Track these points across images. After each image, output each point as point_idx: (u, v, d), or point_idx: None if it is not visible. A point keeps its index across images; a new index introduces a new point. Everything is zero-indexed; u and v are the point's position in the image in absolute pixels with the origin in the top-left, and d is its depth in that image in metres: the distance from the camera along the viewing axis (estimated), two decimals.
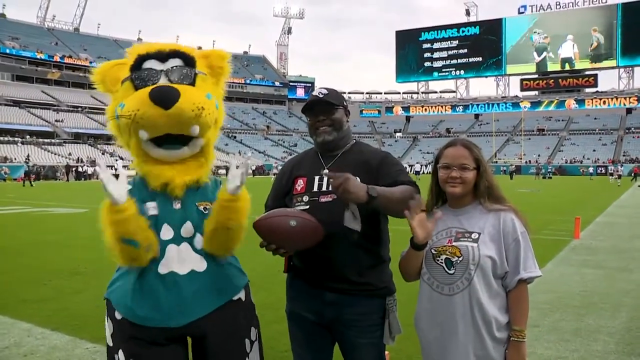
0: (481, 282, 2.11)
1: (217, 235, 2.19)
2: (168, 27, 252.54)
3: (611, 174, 45.44)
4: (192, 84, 2.24)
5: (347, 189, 2.09)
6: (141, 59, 2.26)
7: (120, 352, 2.17)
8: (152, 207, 2.19)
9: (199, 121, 2.17)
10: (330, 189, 2.37)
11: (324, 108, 2.47)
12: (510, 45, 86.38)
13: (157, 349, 2.15)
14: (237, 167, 2.15)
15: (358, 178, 2.26)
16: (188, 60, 2.29)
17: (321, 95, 2.47)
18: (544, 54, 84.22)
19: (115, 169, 2.24)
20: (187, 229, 2.21)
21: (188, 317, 2.16)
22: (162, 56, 2.27)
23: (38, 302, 5.81)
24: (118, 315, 2.18)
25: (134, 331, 2.14)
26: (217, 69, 2.41)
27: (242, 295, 2.37)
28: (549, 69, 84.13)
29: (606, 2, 79.62)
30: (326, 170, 2.36)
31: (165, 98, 2.09)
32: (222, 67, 2.43)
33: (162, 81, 2.21)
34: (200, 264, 2.21)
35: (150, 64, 2.25)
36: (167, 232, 2.18)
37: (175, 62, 2.27)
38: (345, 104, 2.55)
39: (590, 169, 54.99)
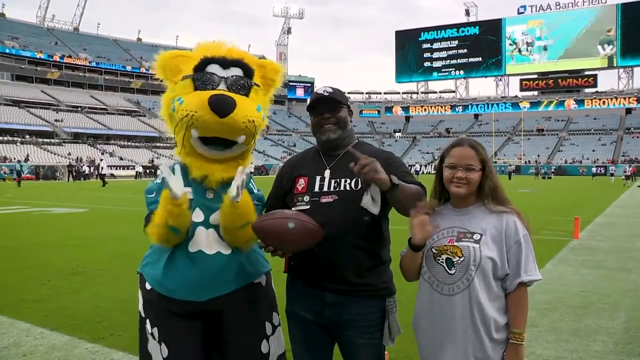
0: (481, 283, 2.11)
1: (228, 232, 2.38)
2: (168, 27, 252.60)
3: (612, 174, 45.56)
4: (247, 94, 2.46)
5: (376, 169, 2.12)
6: (205, 62, 2.45)
7: (148, 321, 2.39)
8: (187, 192, 2.35)
9: (246, 132, 2.40)
10: (332, 189, 2.39)
11: (329, 106, 2.47)
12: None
13: (177, 321, 2.34)
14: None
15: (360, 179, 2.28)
16: (248, 71, 2.51)
17: (326, 94, 2.47)
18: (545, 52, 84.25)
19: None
20: (215, 218, 2.39)
21: (210, 293, 2.35)
22: (226, 63, 2.47)
23: (37, 301, 5.81)
24: (148, 286, 2.41)
25: (160, 302, 2.35)
26: (269, 81, 2.63)
27: (262, 280, 2.56)
28: (549, 69, 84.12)
29: (606, 2, 79.65)
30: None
31: (222, 107, 2.30)
32: (275, 80, 2.65)
33: (221, 87, 2.41)
34: (225, 249, 2.40)
35: (213, 68, 2.45)
36: (198, 215, 2.38)
37: (236, 71, 2.48)
38: (348, 103, 2.56)
39: (594, 169, 54.59)
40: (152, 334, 2.37)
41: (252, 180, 2.65)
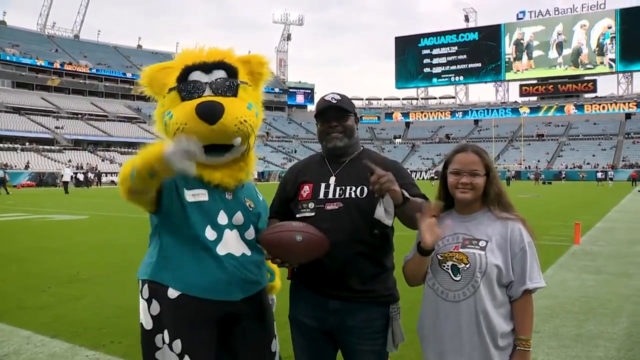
0: (486, 290, 2.11)
1: None
2: (168, 33, 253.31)
3: (611, 179, 45.38)
4: (235, 94, 2.42)
5: (392, 180, 2.13)
6: (187, 70, 2.42)
7: (167, 333, 2.29)
8: (201, 194, 2.38)
9: (241, 133, 2.36)
10: (337, 196, 2.38)
11: (336, 114, 2.45)
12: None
13: (200, 331, 2.30)
14: None
15: (365, 186, 2.29)
16: (231, 72, 2.46)
17: (334, 101, 2.45)
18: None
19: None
20: (237, 218, 2.44)
21: (243, 293, 2.38)
22: (207, 67, 2.43)
23: (37, 309, 5.80)
24: (173, 293, 2.29)
25: (187, 309, 2.28)
26: (257, 75, 2.58)
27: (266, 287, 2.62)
28: (550, 75, 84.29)
29: (605, 7, 79.88)
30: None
31: (210, 114, 2.27)
32: (262, 73, 2.60)
33: (207, 93, 2.38)
34: (247, 251, 2.44)
35: (196, 75, 2.42)
36: (223, 218, 2.40)
37: (219, 74, 2.44)
38: (356, 111, 2.55)
39: (599, 174, 54.17)
40: (170, 346, 2.28)
41: (255, 188, 2.68)
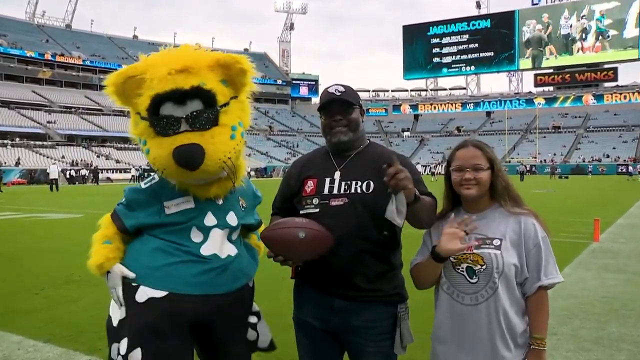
0: (505, 291, 2.12)
1: None
2: (165, 23, 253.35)
3: (630, 173, 44.72)
4: (216, 123, 2.24)
5: (410, 178, 2.12)
6: (157, 101, 2.19)
7: (124, 341, 2.25)
8: (185, 202, 2.35)
9: (226, 168, 2.27)
10: (342, 191, 2.38)
11: (340, 107, 2.44)
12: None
13: (165, 340, 2.23)
14: None
15: (372, 181, 2.29)
16: (208, 100, 2.22)
17: (338, 94, 2.44)
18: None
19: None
20: (231, 217, 2.44)
21: (227, 287, 2.38)
22: (180, 98, 2.19)
23: (29, 312, 5.79)
24: (159, 294, 2.26)
25: (158, 311, 2.23)
26: (239, 85, 2.35)
27: (252, 281, 2.63)
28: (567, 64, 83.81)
29: None
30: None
31: (189, 162, 2.17)
32: (245, 84, 2.37)
33: (184, 128, 2.19)
34: (233, 250, 2.44)
35: (168, 109, 2.19)
36: (211, 219, 2.37)
37: (195, 105, 2.20)
38: (360, 103, 2.53)
39: (631, 168, 53.29)
40: (125, 358, 2.22)
41: (250, 182, 2.68)
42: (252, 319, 2.66)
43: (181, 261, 2.30)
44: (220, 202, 2.42)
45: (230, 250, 2.42)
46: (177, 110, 2.19)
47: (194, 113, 2.20)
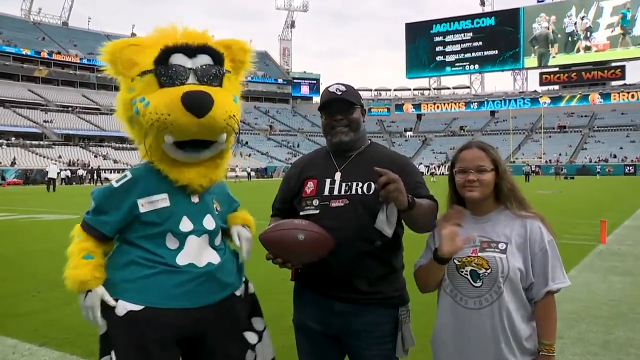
0: (510, 295, 2.11)
1: None
2: (163, 21, 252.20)
3: None
4: (220, 85, 2.29)
5: (401, 190, 2.10)
6: (167, 52, 2.23)
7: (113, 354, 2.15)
8: (161, 200, 2.26)
9: (228, 130, 2.26)
10: (342, 192, 2.37)
11: (341, 107, 2.44)
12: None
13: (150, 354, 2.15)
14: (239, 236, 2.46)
15: (373, 183, 2.28)
16: (217, 58, 2.31)
17: (339, 93, 2.44)
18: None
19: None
20: (208, 221, 2.34)
21: (208, 299, 2.27)
22: (191, 51, 2.26)
23: (25, 315, 5.78)
24: (136, 307, 2.17)
25: (140, 325, 2.15)
26: (239, 63, 2.46)
27: (241, 290, 2.48)
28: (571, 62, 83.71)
29: None
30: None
31: (199, 106, 2.13)
32: (244, 62, 2.48)
33: (191, 80, 2.22)
34: (215, 258, 2.34)
35: (178, 59, 2.23)
36: (186, 224, 2.27)
37: (205, 59, 2.28)
38: (362, 102, 2.53)
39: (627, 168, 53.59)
40: None
41: (226, 188, 2.60)
42: (252, 339, 2.45)
43: (157, 272, 2.20)
44: (196, 200, 2.33)
45: (211, 257, 2.32)
46: (186, 62, 2.24)
47: (203, 66, 2.26)
